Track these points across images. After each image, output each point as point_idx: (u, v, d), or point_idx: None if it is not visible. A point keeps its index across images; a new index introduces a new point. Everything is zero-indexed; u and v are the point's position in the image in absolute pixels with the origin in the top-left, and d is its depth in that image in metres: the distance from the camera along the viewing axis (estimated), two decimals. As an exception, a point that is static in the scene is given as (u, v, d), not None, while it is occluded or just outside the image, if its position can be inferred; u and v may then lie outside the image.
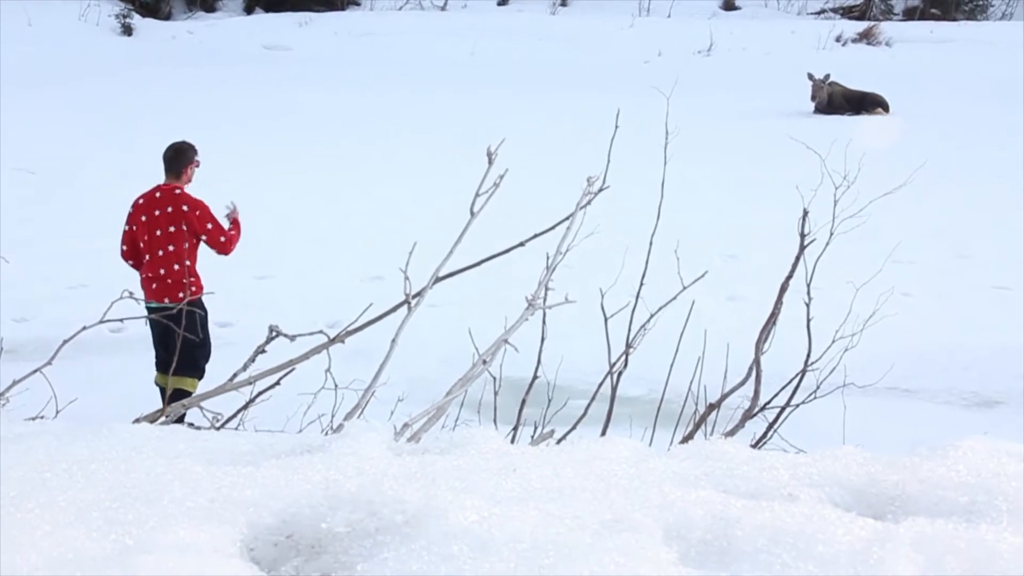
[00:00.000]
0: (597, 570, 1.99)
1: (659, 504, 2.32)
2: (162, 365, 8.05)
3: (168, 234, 7.97)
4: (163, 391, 7.86)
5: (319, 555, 2.24)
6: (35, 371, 4.36)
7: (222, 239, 8.17)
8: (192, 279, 8.01)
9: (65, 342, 4.53)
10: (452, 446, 2.92)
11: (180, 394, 7.74)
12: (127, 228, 8.15)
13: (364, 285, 11.13)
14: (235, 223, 8.33)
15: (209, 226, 8.09)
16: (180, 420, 7.23)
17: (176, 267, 8.01)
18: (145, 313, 7.91)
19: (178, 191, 8.08)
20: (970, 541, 2.14)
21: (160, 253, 7.96)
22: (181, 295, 7.87)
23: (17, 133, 17.28)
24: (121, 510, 2.27)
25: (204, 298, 8.06)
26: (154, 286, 7.96)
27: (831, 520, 2.25)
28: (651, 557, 2.07)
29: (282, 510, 2.33)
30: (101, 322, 4.56)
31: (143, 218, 8.03)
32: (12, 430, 2.98)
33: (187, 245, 8.04)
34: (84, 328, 4.58)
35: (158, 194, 8.09)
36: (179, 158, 8.17)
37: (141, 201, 8.12)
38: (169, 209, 8.04)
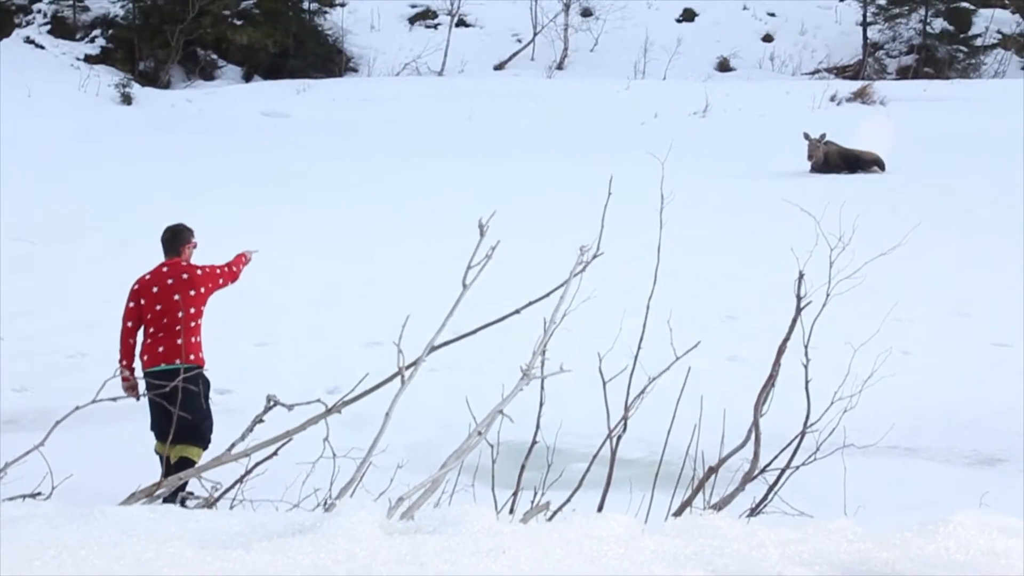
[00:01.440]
0: (585, 655, 1.98)
1: (649, 586, 2.31)
2: (162, 434, 8.02)
3: (177, 303, 8.06)
4: (163, 460, 7.86)
5: (309, 640, 2.23)
6: (28, 452, 4.35)
7: (233, 269, 8.48)
8: (196, 348, 8.12)
9: (57, 423, 4.52)
10: (444, 524, 2.90)
11: (185, 462, 7.76)
12: (131, 305, 8.15)
13: (363, 351, 11.13)
14: (238, 257, 8.62)
15: (218, 271, 8.36)
16: (181, 489, 7.23)
17: (183, 331, 8.09)
18: (144, 383, 7.93)
19: (184, 263, 8.20)
20: (960, 621, 2.13)
21: (164, 321, 8.01)
22: (191, 357, 8.04)
23: (17, 203, 17.37)
24: (110, 599, 2.26)
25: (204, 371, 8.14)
26: (160, 349, 7.96)
27: (820, 602, 2.24)
28: (641, 640, 2.06)
29: (272, 598, 2.32)
30: (94, 402, 4.56)
31: (154, 290, 8.08)
32: (5, 513, 2.97)
33: (196, 312, 8.16)
34: (77, 408, 4.58)
35: (165, 268, 8.21)
36: (176, 239, 8.30)
37: (148, 277, 8.18)
38: (184, 276, 8.18)
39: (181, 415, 7.66)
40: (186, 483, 7.36)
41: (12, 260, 14.45)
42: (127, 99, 29.08)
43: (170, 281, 8.13)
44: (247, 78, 33.50)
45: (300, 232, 16.64)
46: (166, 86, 31.99)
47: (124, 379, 7.93)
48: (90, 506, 2.97)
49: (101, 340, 10.15)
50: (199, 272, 8.22)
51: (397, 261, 14.89)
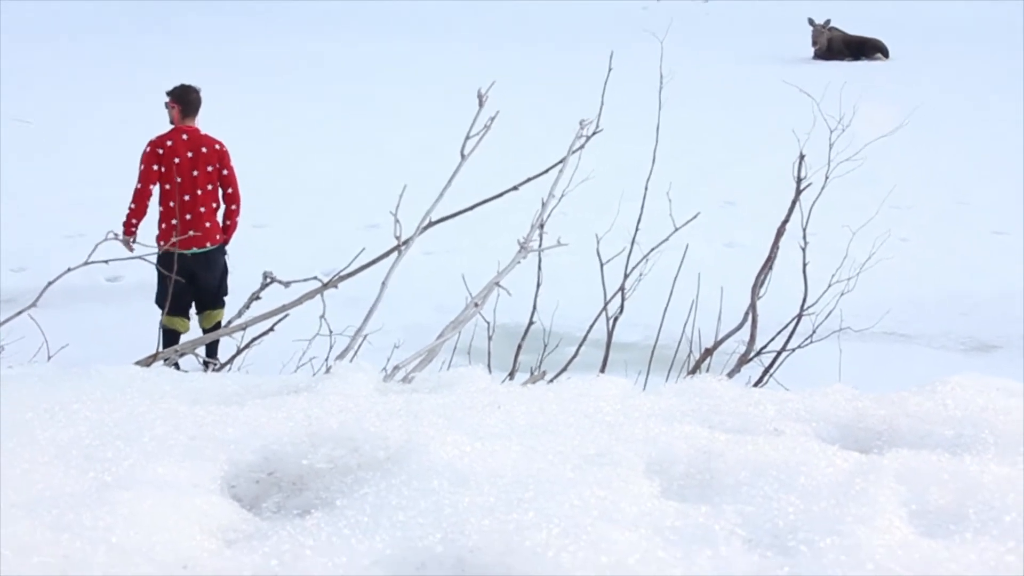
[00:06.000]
0: (577, 503, 1.98)
1: (643, 439, 2.31)
2: (182, 309, 8.08)
3: (206, 174, 8.03)
4: (172, 334, 7.94)
5: (300, 491, 2.23)
6: (19, 312, 4.33)
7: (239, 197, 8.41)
8: (217, 224, 8.27)
9: (50, 284, 4.49)
10: (441, 385, 2.91)
11: (218, 325, 7.87)
12: (154, 168, 7.99)
13: (361, 233, 11.09)
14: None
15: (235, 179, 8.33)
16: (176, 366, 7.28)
17: (214, 207, 8.18)
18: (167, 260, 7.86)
19: (206, 135, 8.12)
20: (954, 472, 2.13)
21: (189, 198, 7.98)
22: (218, 237, 8.21)
23: (15, 83, 17.20)
24: (101, 448, 2.26)
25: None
26: (192, 232, 7.93)
27: (815, 453, 2.24)
28: (632, 490, 2.06)
29: (264, 447, 2.32)
30: (86, 264, 4.52)
31: (176, 160, 7.98)
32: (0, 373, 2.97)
33: (216, 187, 8.20)
34: (69, 270, 4.54)
35: (185, 136, 8.05)
36: (198, 103, 8.22)
37: (171, 143, 8.01)
38: (217, 147, 8.15)
39: (208, 290, 8.20)
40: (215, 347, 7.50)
41: (8, 140, 14.34)
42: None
43: (204, 150, 8.07)
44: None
45: (299, 114, 16.53)
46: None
47: (128, 233, 7.92)
48: (86, 366, 2.98)
49: (100, 219, 10.11)
50: (231, 163, 8.20)
51: (394, 146, 14.80)
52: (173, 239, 7.37)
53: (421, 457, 2.19)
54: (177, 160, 7.96)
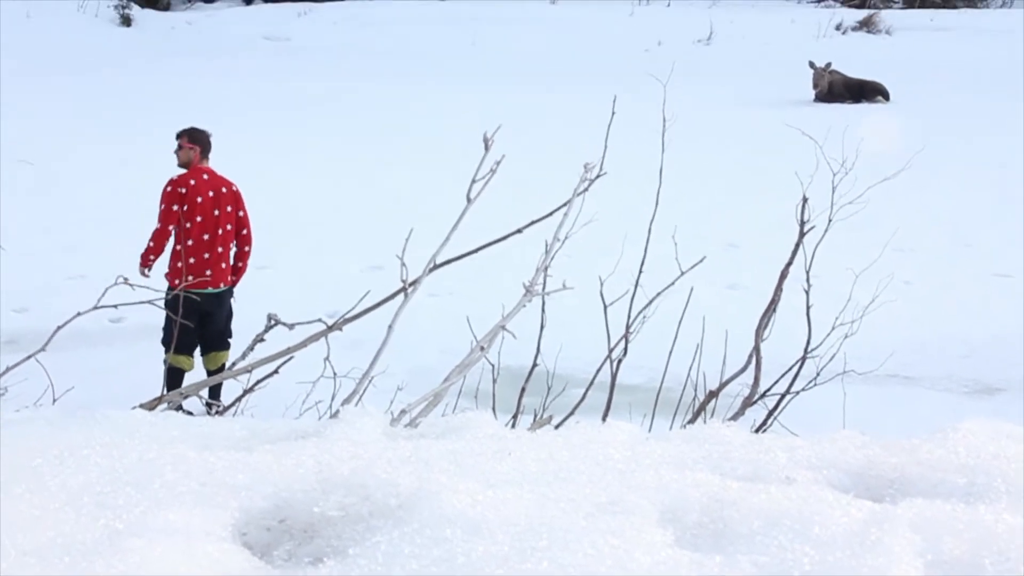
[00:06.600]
0: (591, 552, 1.97)
1: (655, 486, 2.31)
2: (188, 348, 8.11)
3: (225, 215, 8.11)
4: (176, 373, 7.95)
5: (312, 539, 2.22)
6: (28, 357, 4.33)
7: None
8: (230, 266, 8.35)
9: (59, 328, 4.50)
10: (448, 431, 2.91)
11: (223, 367, 7.89)
12: (175, 208, 8.01)
13: (364, 275, 11.11)
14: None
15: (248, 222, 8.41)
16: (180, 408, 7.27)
17: (231, 248, 8.29)
18: (161, 301, 7.88)
19: (223, 176, 8.20)
20: (968, 522, 2.13)
21: (208, 237, 8.03)
22: (230, 278, 8.30)
23: (16, 125, 17.24)
24: (112, 494, 2.25)
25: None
26: (208, 272, 7.98)
27: (829, 502, 2.23)
28: (646, 539, 2.06)
29: (275, 494, 2.31)
30: (95, 308, 4.53)
31: (206, 196, 8.02)
32: (4, 416, 2.96)
33: (234, 228, 8.25)
34: (79, 314, 4.55)
35: (206, 176, 8.12)
36: (211, 144, 8.30)
37: (195, 182, 8.06)
38: (235, 188, 8.24)
39: (216, 330, 8.23)
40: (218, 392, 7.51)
41: (9, 180, 14.36)
42: (126, 21, 28.78)
43: (224, 190, 8.16)
44: (247, 0, 33.14)
45: (302, 155, 16.57)
46: (166, 8, 31.65)
47: (145, 265, 7.99)
48: (92, 410, 2.97)
49: (101, 261, 10.13)
50: (240, 191, 8.29)
51: (399, 186, 14.84)
52: (190, 279, 7.46)
53: (433, 505, 2.18)
54: (200, 200, 8.02)
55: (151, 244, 8.06)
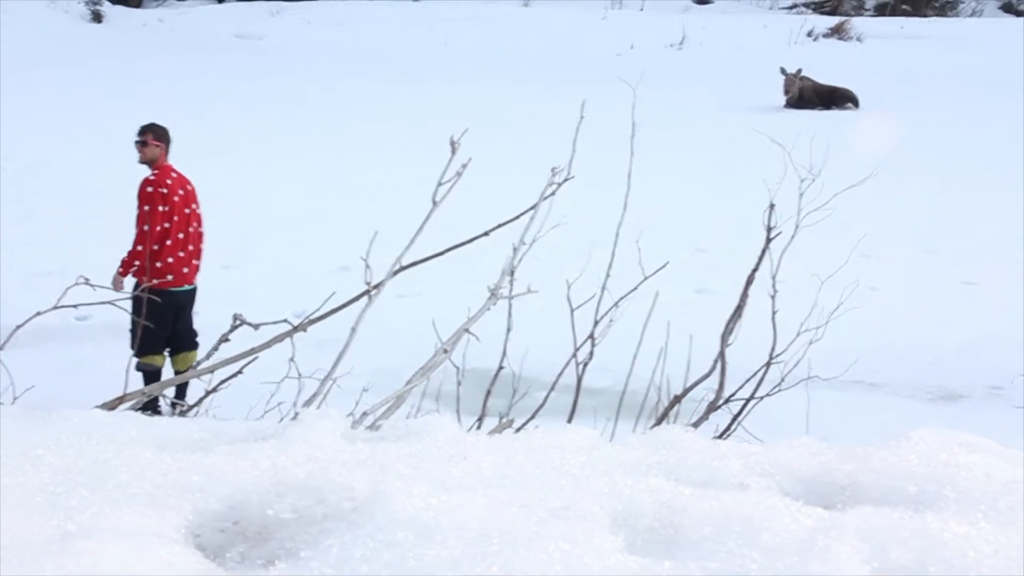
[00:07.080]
0: (541, 557, 1.98)
1: (608, 492, 2.32)
2: (157, 346, 8.10)
3: (194, 213, 8.18)
4: (156, 371, 7.94)
5: (265, 541, 2.22)
6: (-12, 356, 4.30)
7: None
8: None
9: (19, 327, 4.47)
10: (408, 433, 2.91)
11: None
12: (159, 209, 7.95)
13: (331, 275, 11.08)
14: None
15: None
16: (152, 405, 7.22)
17: (199, 247, 8.33)
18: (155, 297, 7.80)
19: (184, 175, 8.20)
20: (915, 530, 2.15)
21: (182, 236, 8.07)
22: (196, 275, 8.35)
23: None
24: (65, 495, 2.25)
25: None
26: (185, 270, 8.08)
27: (778, 509, 2.25)
28: (596, 545, 2.07)
29: (229, 496, 2.31)
30: (55, 308, 4.51)
31: (176, 198, 8.01)
32: (-39, 415, 2.95)
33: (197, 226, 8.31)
34: (38, 313, 4.53)
35: (175, 175, 8.15)
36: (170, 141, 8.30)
37: (170, 181, 8.03)
38: (188, 188, 8.27)
39: (187, 328, 8.27)
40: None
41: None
42: (97, 17, 28.66)
43: (189, 187, 8.22)
44: (220, -2, 33.05)
45: (270, 154, 16.52)
46: (137, 5, 31.51)
47: (124, 275, 7.92)
48: (50, 410, 2.96)
49: (72, 258, 10.07)
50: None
51: (370, 186, 14.83)
52: (169, 278, 7.51)
53: (387, 508, 2.19)
54: (176, 199, 8.02)
55: (138, 249, 7.89)
